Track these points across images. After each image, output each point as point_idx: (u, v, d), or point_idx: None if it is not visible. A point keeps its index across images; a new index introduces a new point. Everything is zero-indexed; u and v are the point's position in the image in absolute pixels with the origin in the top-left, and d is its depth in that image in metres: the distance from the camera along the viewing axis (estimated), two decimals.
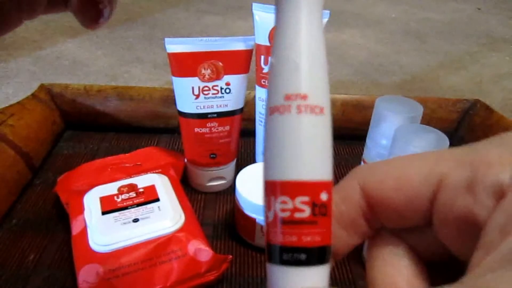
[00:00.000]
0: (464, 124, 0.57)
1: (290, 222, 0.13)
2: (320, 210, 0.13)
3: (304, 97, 0.13)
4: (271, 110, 0.13)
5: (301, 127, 0.13)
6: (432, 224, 0.14)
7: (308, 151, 0.13)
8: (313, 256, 0.13)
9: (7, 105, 0.50)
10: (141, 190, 0.39)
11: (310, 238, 0.13)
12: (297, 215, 0.13)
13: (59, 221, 0.41)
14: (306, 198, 0.13)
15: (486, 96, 0.78)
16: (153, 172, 0.43)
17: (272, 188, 0.14)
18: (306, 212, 0.13)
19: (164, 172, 0.44)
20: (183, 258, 0.34)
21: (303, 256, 0.13)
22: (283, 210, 0.13)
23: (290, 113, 0.13)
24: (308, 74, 0.13)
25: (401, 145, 0.31)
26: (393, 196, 0.14)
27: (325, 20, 0.42)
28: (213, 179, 0.47)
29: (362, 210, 0.15)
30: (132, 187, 0.40)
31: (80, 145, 0.54)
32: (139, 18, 1.08)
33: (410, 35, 1.10)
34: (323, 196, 0.13)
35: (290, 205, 0.13)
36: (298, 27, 0.13)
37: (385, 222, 0.15)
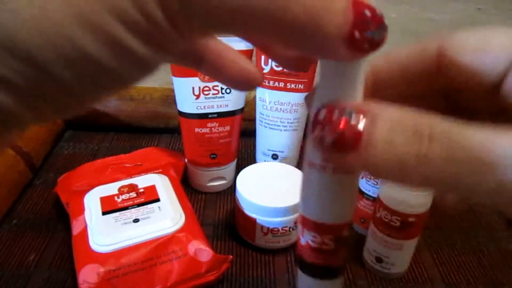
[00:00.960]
0: None
1: (318, 250, 0.18)
2: (341, 242, 0.17)
3: None
4: (310, 164, 0.16)
5: (334, 185, 0.16)
6: (501, 88, 0.15)
7: (337, 202, 0.16)
8: (333, 272, 0.18)
9: None
10: (141, 190, 0.39)
11: (331, 262, 0.18)
12: (324, 247, 0.17)
13: (60, 221, 0.41)
14: (331, 236, 0.17)
15: None
16: (154, 172, 0.43)
17: (306, 223, 0.17)
18: (331, 245, 0.17)
19: (164, 172, 0.44)
20: (184, 258, 0.34)
21: (326, 272, 0.18)
22: (313, 242, 0.17)
23: (325, 172, 0.15)
24: None
25: None
26: (470, 60, 0.15)
27: None
28: (213, 179, 0.47)
29: (429, 67, 0.16)
30: (133, 187, 0.40)
31: (80, 145, 0.54)
32: None
33: (410, 35, 1.10)
34: (345, 233, 0.17)
35: (319, 239, 0.17)
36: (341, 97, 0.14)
37: (445, 84, 0.17)
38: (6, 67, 0.09)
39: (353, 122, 0.13)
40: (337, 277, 0.18)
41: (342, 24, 0.12)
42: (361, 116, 0.13)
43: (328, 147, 0.13)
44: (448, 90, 0.17)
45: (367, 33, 0.12)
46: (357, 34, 0.12)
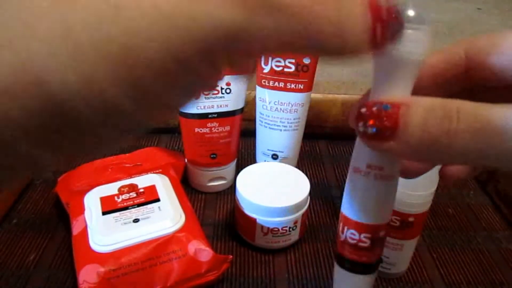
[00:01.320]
0: None
1: (355, 247, 0.20)
2: (377, 242, 0.19)
3: (381, 168, 0.17)
4: (355, 169, 0.18)
5: (375, 190, 0.18)
6: None
7: (377, 206, 0.19)
8: (367, 268, 0.20)
9: None
10: (141, 190, 0.39)
11: (366, 258, 0.20)
12: (360, 244, 0.19)
13: (60, 221, 0.41)
14: (368, 235, 0.19)
15: None
16: (154, 172, 0.43)
17: (346, 221, 0.20)
18: (367, 243, 0.19)
19: (164, 172, 0.44)
20: (184, 258, 0.34)
21: (361, 268, 0.20)
22: (351, 239, 0.20)
23: (368, 178, 0.18)
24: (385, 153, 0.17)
25: None
26: (492, 60, 0.17)
27: None
28: (213, 179, 0.47)
29: (458, 70, 0.18)
30: (133, 187, 0.40)
31: None
32: None
33: None
34: (381, 233, 0.19)
35: (356, 237, 0.19)
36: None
37: (471, 83, 0.18)
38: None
39: (390, 112, 0.15)
40: (371, 273, 0.21)
41: (364, 27, 0.13)
42: (397, 107, 0.15)
43: (371, 136, 0.15)
44: (474, 89, 0.19)
45: (387, 24, 0.14)
46: (378, 28, 0.14)
